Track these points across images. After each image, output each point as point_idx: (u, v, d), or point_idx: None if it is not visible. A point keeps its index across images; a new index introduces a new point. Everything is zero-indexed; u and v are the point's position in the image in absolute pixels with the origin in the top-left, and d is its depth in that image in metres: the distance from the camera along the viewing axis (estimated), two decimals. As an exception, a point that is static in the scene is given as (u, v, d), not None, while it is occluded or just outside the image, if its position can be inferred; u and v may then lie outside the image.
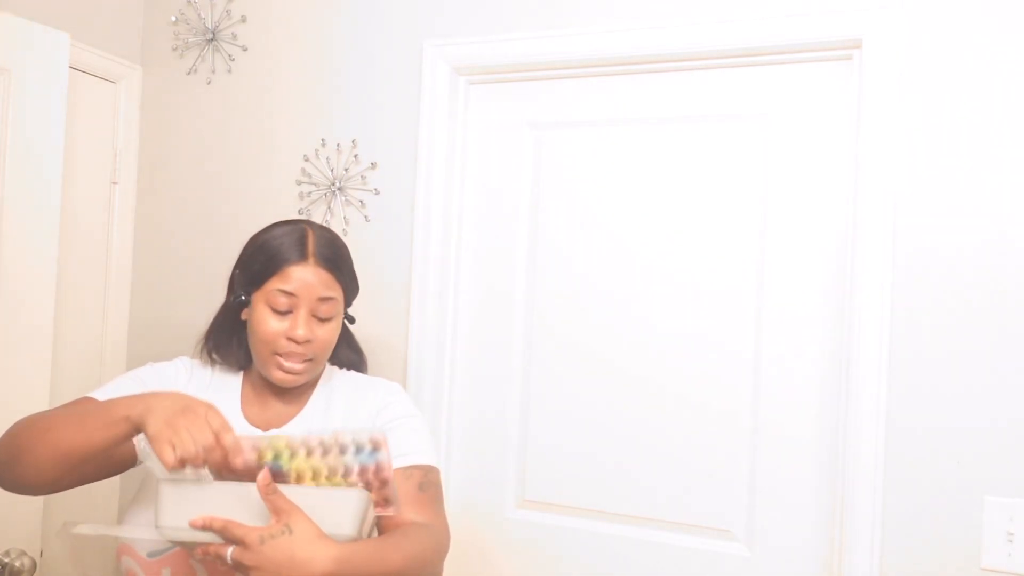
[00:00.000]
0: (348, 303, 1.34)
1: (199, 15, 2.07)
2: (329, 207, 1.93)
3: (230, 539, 1.02)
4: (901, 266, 1.51)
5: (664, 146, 1.73)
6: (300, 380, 1.28)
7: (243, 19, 2.03)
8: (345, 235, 1.90)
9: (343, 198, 1.91)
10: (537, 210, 1.83)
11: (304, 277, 1.24)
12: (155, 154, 2.11)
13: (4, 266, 1.68)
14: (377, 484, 1.11)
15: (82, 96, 1.95)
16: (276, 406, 1.32)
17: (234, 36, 2.04)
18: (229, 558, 1.02)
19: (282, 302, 1.24)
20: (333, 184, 1.92)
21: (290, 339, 1.24)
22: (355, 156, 1.91)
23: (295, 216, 1.95)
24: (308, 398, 1.33)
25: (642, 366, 1.72)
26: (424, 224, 1.83)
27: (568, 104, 1.80)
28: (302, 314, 1.24)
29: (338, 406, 1.32)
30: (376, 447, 1.12)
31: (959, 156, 1.48)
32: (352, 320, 1.39)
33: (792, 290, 1.63)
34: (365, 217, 1.90)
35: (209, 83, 2.07)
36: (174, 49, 2.10)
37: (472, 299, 1.88)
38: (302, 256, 1.25)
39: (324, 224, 1.91)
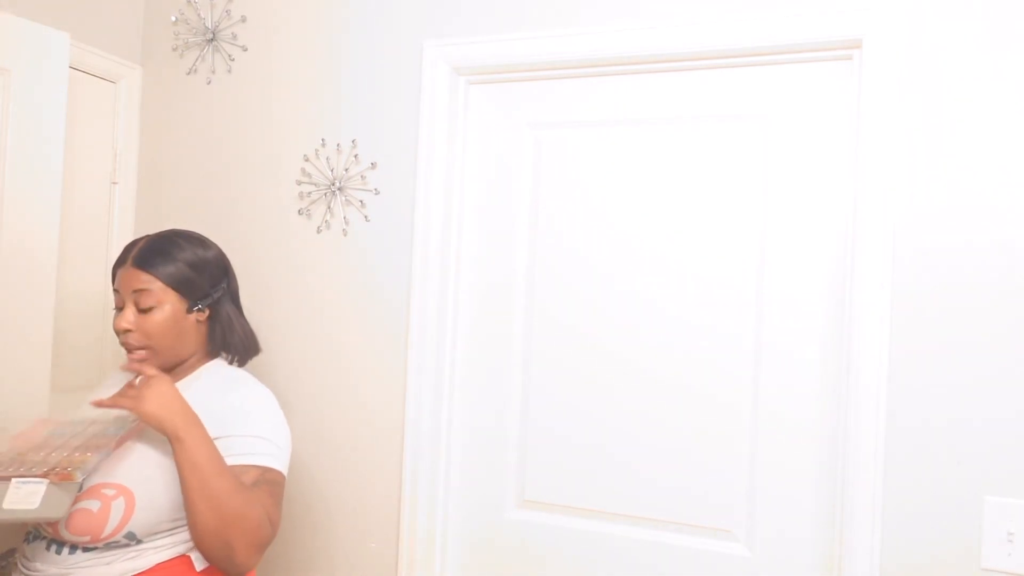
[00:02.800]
0: (188, 296, 1.49)
1: (199, 15, 2.07)
2: (329, 207, 1.93)
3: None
4: (901, 266, 1.51)
5: (664, 146, 1.73)
6: (145, 365, 1.45)
7: (243, 19, 2.03)
8: (345, 235, 1.91)
9: (343, 198, 1.91)
10: (537, 210, 1.83)
11: (123, 276, 1.48)
12: (155, 154, 2.11)
13: (4, 266, 1.68)
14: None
15: (82, 96, 1.95)
16: None
17: (234, 36, 2.04)
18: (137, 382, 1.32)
19: (116, 300, 1.49)
20: (333, 184, 1.92)
21: (116, 331, 1.47)
22: (355, 156, 1.91)
23: (295, 216, 1.95)
24: (177, 381, 1.49)
25: (643, 366, 1.72)
26: (424, 224, 1.83)
27: (568, 104, 1.80)
28: (126, 309, 1.47)
29: (194, 391, 1.46)
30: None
31: (959, 156, 1.48)
32: (203, 310, 1.51)
33: (792, 290, 1.63)
34: (365, 217, 1.90)
35: (209, 83, 2.07)
36: (174, 49, 2.10)
37: (472, 298, 1.88)
38: (123, 260, 1.49)
39: (327, 221, 1.91)
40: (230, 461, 1.36)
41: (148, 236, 1.53)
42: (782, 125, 1.65)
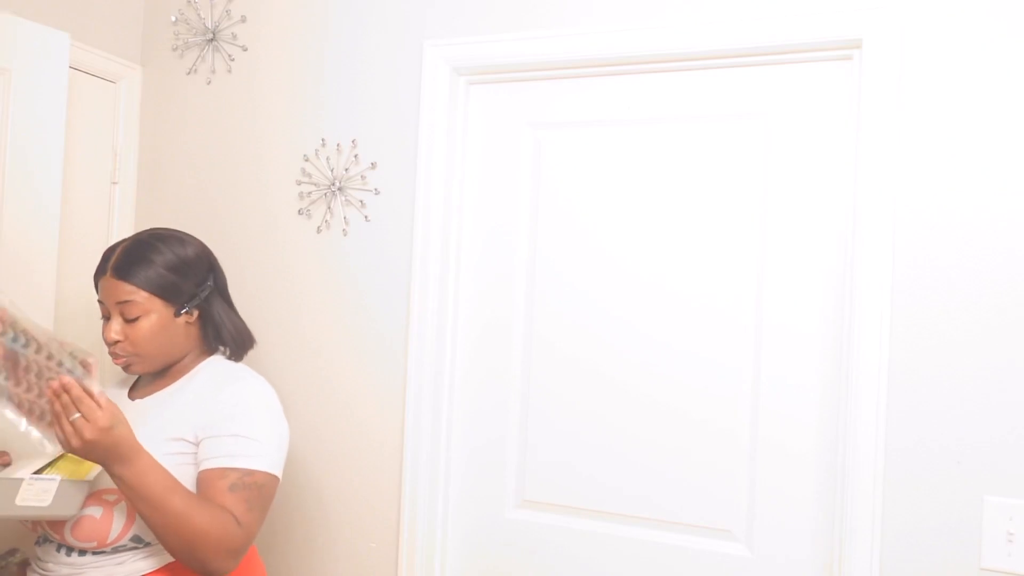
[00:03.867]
0: (173, 300, 1.47)
1: (199, 15, 2.07)
2: (329, 207, 1.93)
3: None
4: (901, 265, 1.51)
5: (664, 146, 1.73)
6: (137, 369, 1.48)
7: (243, 19, 2.03)
8: (345, 235, 1.91)
9: (343, 198, 1.91)
10: (537, 210, 1.83)
11: (105, 287, 1.46)
12: (155, 154, 2.11)
13: (4, 266, 1.68)
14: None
15: (82, 96, 1.95)
16: (153, 384, 1.53)
17: (234, 36, 2.04)
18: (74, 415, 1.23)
19: (102, 309, 1.48)
20: (333, 184, 1.92)
21: (105, 342, 1.46)
22: (355, 156, 1.91)
23: (295, 216, 1.95)
24: (174, 380, 1.51)
25: (646, 359, 1.73)
26: (424, 224, 1.83)
27: (568, 104, 1.80)
28: (112, 319, 1.46)
29: (191, 390, 1.47)
30: (86, 371, 1.28)
31: (959, 156, 1.48)
32: (191, 312, 1.50)
33: (793, 287, 1.63)
34: (365, 217, 1.90)
35: (209, 83, 2.07)
36: (174, 49, 2.10)
37: (472, 297, 1.88)
38: (104, 270, 1.47)
39: (327, 221, 1.91)
40: (211, 463, 1.35)
41: (125, 242, 1.49)
42: (782, 125, 1.65)
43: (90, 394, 1.24)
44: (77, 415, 1.22)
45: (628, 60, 1.72)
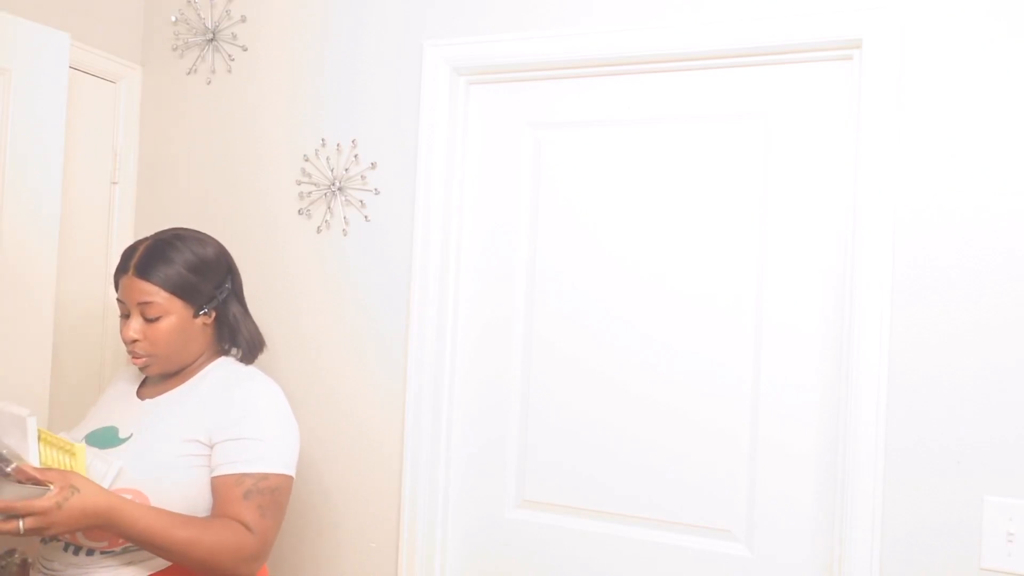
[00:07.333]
0: (193, 301, 1.47)
1: (199, 15, 2.07)
2: (329, 207, 1.93)
3: (16, 515, 1.20)
4: (901, 265, 1.51)
5: (664, 146, 1.73)
6: (154, 370, 1.49)
7: (243, 19, 2.03)
8: (345, 235, 1.91)
9: (343, 198, 1.91)
10: (537, 210, 1.83)
11: (126, 286, 1.45)
12: (155, 154, 2.11)
13: (3, 266, 1.68)
14: None
15: (82, 96, 1.95)
16: (162, 384, 1.53)
17: (234, 36, 2.04)
18: (22, 530, 1.20)
19: (121, 308, 1.48)
20: (333, 184, 1.92)
21: (124, 340, 1.46)
22: (355, 156, 1.91)
23: (295, 216, 1.95)
24: (184, 381, 1.51)
25: (645, 361, 1.73)
26: (424, 224, 1.83)
27: (568, 104, 1.80)
28: (132, 318, 1.45)
29: (202, 391, 1.47)
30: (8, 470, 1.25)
31: (959, 156, 1.48)
32: (209, 313, 1.50)
33: (793, 290, 1.63)
34: (365, 217, 1.90)
35: (209, 83, 2.07)
36: (174, 49, 2.10)
37: (472, 297, 1.88)
38: (125, 269, 1.47)
39: (327, 221, 1.91)
40: (226, 469, 1.36)
41: (146, 241, 1.50)
42: (782, 125, 1.65)
43: (33, 479, 1.22)
44: (21, 522, 1.20)
45: (628, 60, 1.72)
